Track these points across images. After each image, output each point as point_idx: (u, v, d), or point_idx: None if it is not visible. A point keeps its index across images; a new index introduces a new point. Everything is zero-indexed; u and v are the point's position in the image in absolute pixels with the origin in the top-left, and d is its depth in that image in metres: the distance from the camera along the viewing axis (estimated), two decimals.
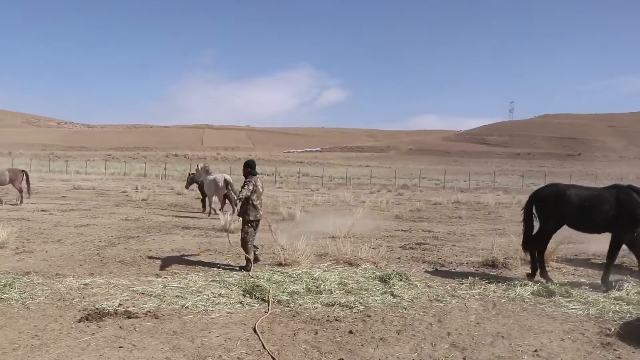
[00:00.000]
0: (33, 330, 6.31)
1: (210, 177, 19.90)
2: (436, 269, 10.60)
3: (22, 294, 7.78)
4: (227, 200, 19.77)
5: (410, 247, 13.31)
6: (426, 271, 10.37)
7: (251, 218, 10.18)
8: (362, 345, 5.99)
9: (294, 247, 10.66)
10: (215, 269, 10.03)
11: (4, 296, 7.59)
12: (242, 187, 10.08)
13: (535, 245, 9.69)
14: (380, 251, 11.32)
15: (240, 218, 10.36)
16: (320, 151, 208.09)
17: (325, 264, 10.32)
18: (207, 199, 20.80)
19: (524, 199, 12.00)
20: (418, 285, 8.86)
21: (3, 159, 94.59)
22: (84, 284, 8.47)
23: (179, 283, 8.62)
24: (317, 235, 13.67)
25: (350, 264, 10.44)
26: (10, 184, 21.86)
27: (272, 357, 5.55)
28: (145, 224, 17.08)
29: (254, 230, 10.34)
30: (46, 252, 11.41)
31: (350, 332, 6.45)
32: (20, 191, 22.05)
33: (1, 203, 21.28)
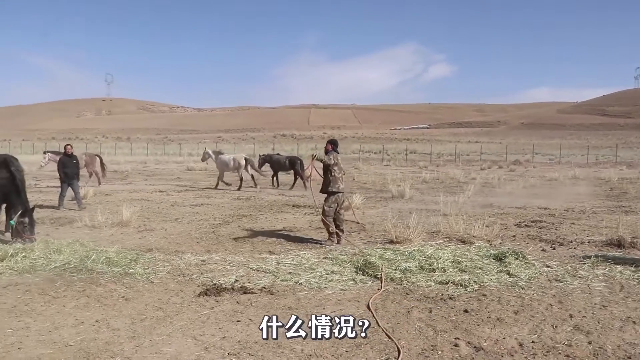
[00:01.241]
0: (157, 303, 6.64)
1: (225, 157, 22.74)
2: (554, 248, 10.12)
3: (146, 269, 8.22)
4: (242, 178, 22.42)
5: (526, 225, 12.80)
6: (543, 250, 9.93)
7: (333, 190, 10.39)
8: (478, 325, 5.83)
9: (405, 224, 10.56)
10: (327, 245, 10.13)
11: (130, 271, 8.05)
12: (325, 159, 10.62)
13: None
14: (494, 229, 11.02)
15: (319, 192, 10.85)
16: (428, 128, 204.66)
17: (438, 242, 10.13)
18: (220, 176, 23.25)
19: None
20: (535, 264, 8.49)
21: (122, 144, 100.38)
22: (201, 261, 8.82)
23: (292, 260, 8.77)
24: (428, 213, 13.48)
25: (463, 242, 10.22)
26: (86, 168, 22.92)
27: (386, 334, 5.52)
28: (257, 202, 17.54)
29: (337, 204, 10.54)
30: (165, 230, 11.98)
31: (466, 311, 6.30)
32: (96, 175, 23.25)
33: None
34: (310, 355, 5.03)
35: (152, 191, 21.03)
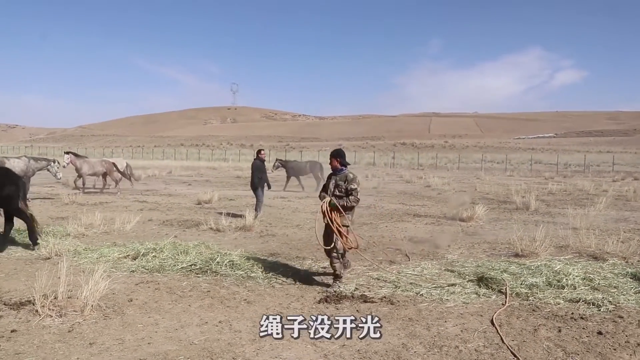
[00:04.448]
0: (278, 308, 6.74)
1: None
2: None
3: (267, 273, 8.40)
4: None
5: None
6: None
7: (347, 223, 7.87)
8: (614, 350, 5.40)
9: (530, 237, 10.09)
10: (448, 257, 9.88)
11: (252, 274, 8.26)
12: (352, 193, 7.78)
13: None
14: (630, 245, 10.31)
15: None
16: (554, 137, 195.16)
17: (567, 257, 9.56)
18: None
19: None
20: None
21: (246, 150, 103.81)
22: (322, 267, 8.88)
23: (413, 270, 8.63)
24: (555, 226, 12.83)
25: (595, 258, 9.59)
26: (109, 174, 22.76)
27: (511, 352, 5.27)
28: (377, 211, 17.49)
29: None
30: (287, 235, 12.20)
31: (600, 333, 5.87)
32: (109, 180, 23.25)
33: (80, 191, 21.68)
34: None
35: (274, 197, 21.52)
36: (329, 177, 8.14)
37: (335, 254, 7.75)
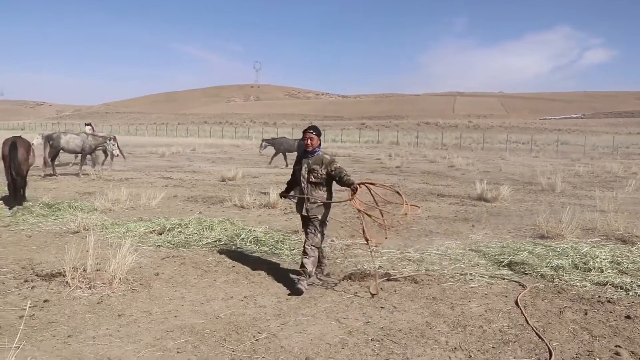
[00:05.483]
0: None
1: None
2: None
3: (291, 250, 8.47)
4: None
5: None
6: None
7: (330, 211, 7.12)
8: None
9: (557, 219, 9.99)
10: (472, 236, 9.83)
11: (277, 251, 8.35)
12: (339, 174, 6.74)
13: None
14: None
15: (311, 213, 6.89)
16: (581, 117, 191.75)
17: (594, 240, 9.43)
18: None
19: None
20: None
21: (269, 129, 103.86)
22: (345, 245, 8.91)
23: (437, 250, 8.61)
24: (582, 208, 12.68)
25: (624, 242, 9.45)
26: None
27: (536, 334, 5.24)
28: (400, 190, 17.35)
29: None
30: None
31: (628, 317, 5.79)
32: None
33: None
34: (455, 348, 4.90)
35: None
36: (299, 161, 7.00)
37: (311, 248, 6.75)
